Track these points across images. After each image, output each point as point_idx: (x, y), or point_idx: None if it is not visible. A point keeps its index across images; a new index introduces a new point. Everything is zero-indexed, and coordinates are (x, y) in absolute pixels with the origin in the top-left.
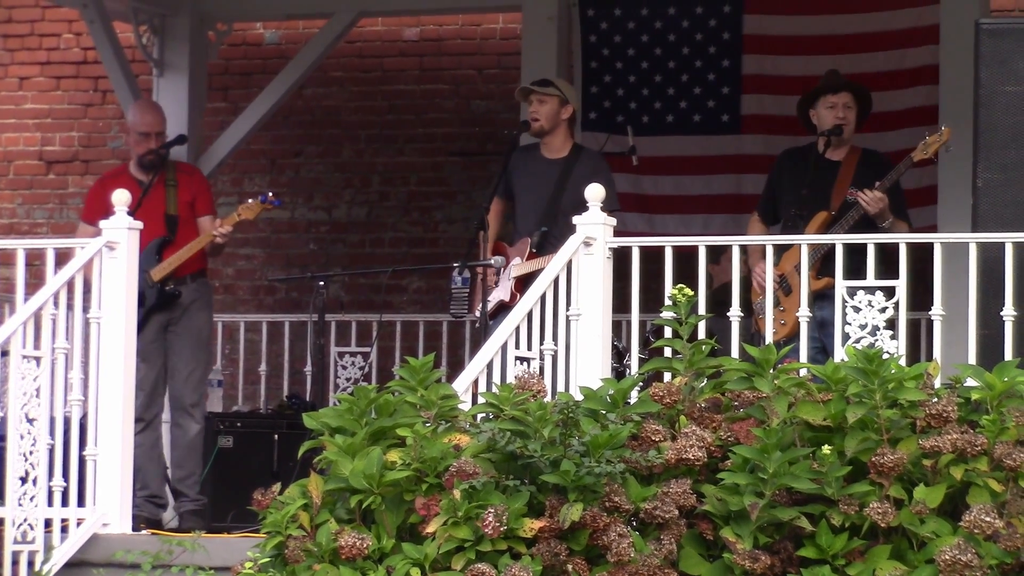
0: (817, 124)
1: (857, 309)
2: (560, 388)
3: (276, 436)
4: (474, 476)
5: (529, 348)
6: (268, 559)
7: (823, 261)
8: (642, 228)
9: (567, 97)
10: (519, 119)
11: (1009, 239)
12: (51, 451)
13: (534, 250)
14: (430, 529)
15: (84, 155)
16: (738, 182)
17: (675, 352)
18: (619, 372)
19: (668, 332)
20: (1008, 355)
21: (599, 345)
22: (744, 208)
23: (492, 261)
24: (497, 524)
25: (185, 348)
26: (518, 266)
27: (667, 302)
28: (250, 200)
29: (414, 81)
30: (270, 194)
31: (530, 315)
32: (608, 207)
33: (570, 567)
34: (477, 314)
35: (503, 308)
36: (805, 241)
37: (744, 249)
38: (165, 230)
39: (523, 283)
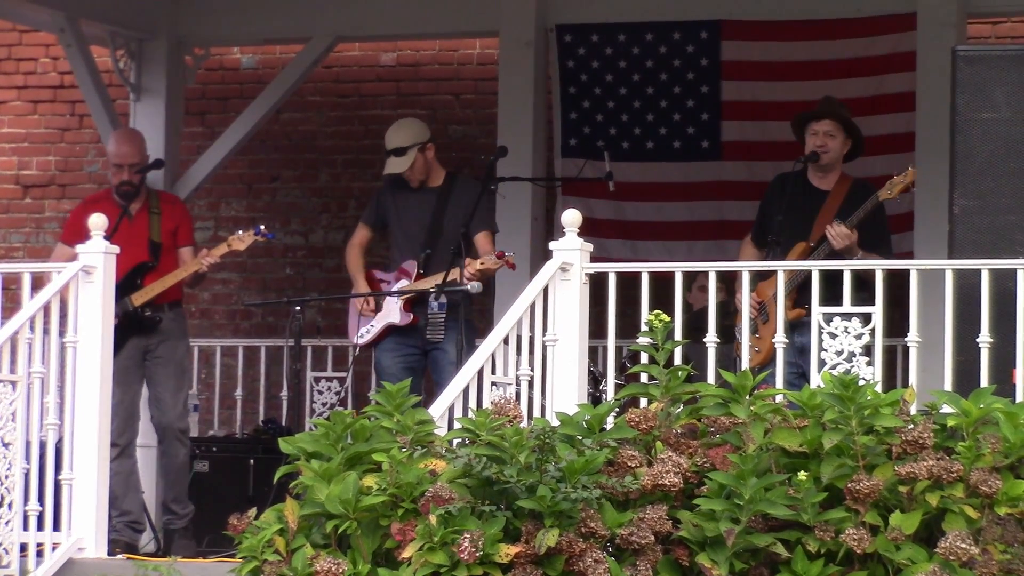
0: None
1: (833, 335)
2: (536, 414)
3: (252, 461)
4: (450, 501)
5: (505, 373)
6: None
7: (799, 291)
8: (625, 254)
9: (423, 139)
10: (496, 144)
11: (985, 266)
12: (27, 475)
13: (422, 271)
14: (406, 554)
15: (61, 179)
16: (720, 208)
17: (651, 378)
18: (595, 398)
19: (645, 358)
20: (984, 382)
21: (575, 370)
22: (726, 234)
23: (469, 287)
24: (473, 549)
25: (170, 377)
26: (406, 287)
27: (644, 328)
28: (241, 231)
29: (391, 106)
30: (262, 227)
31: (506, 340)
32: (490, 228)
33: None
34: (357, 340)
35: (393, 331)
36: (780, 267)
37: (727, 275)
38: (149, 256)
39: (412, 304)
